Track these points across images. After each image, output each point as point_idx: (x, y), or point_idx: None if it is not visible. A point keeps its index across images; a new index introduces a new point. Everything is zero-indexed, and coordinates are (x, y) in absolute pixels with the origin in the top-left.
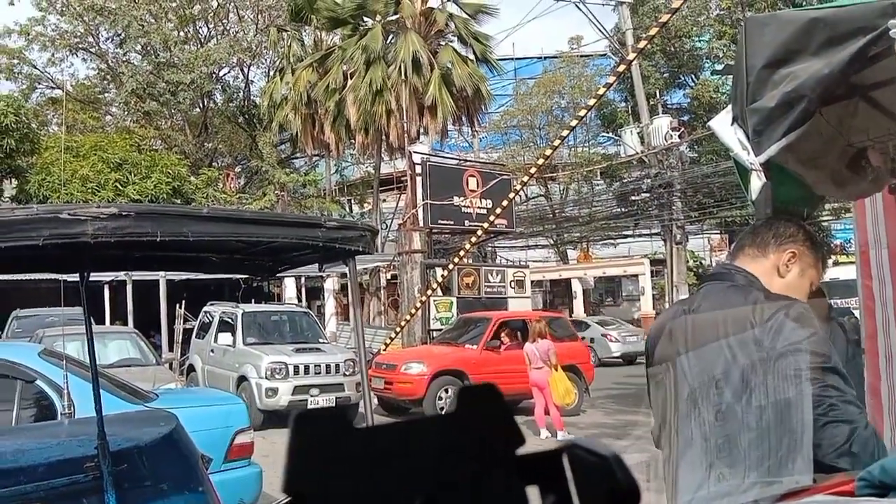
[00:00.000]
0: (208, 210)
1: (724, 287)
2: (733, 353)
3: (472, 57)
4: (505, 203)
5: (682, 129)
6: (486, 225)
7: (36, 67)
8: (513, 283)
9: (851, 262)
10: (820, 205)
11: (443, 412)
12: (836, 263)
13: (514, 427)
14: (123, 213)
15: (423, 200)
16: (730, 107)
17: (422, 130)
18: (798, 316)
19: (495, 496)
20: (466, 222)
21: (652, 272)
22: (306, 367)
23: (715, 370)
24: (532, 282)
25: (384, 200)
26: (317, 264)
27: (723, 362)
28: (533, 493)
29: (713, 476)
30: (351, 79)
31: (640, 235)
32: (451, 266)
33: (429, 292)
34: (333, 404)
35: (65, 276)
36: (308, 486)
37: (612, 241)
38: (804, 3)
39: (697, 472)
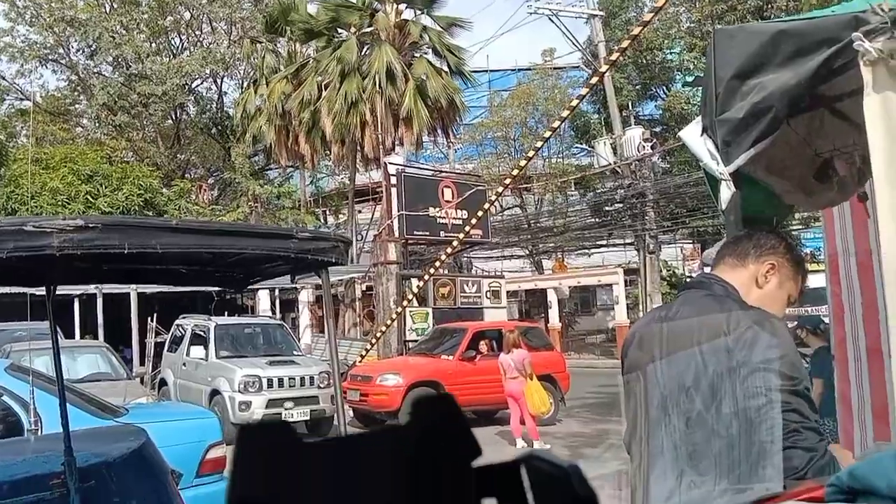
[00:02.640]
0: (177, 222)
1: (701, 296)
2: (705, 361)
3: (446, 69)
4: (480, 214)
5: (655, 140)
6: (461, 235)
7: (4, 79)
8: (488, 294)
9: (821, 271)
10: (789, 214)
11: (396, 424)
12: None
13: (471, 439)
14: (90, 225)
15: (399, 211)
16: (699, 117)
17: (397, 142)
18: (772, 332)
19: None
20: (442, 233)
21: (626, 281)
22: (280, 380)
23: (686, 378)
24: (507, 292)
25: (360, 211)
26: (289, 276)
27: (694, 370)
28: None
29: (684, 484)
30: (325, 90)
31: (613, 245)
32: (426, 277)
33: (404, 303)
34: (308, 417)
35: (31, 290)
36: (252, 500)
37: (586, 251)
38: (773, 16)
39: (668, 480)
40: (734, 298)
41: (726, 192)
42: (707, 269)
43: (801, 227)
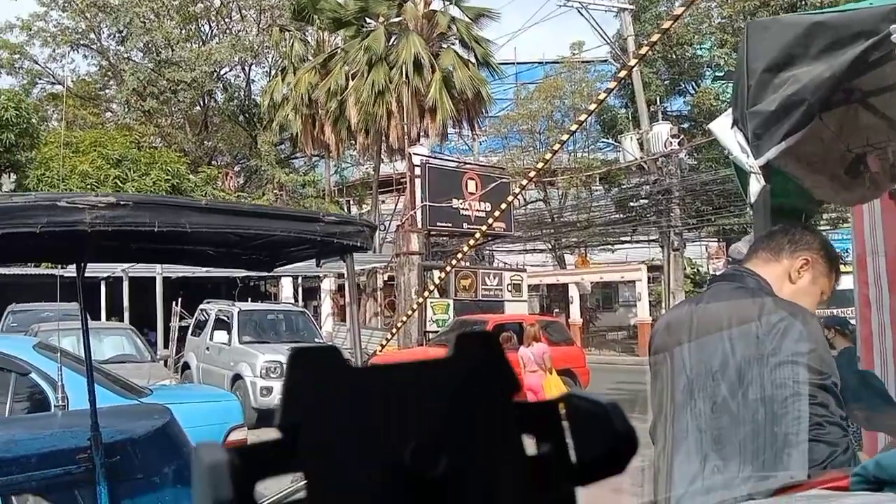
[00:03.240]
0: (206, 202)
1: (732, 287)
2: (733, 347)
3: (473, 60)
4: (503, 206)
5: (682, 136)
6: (484, 228)
7: (37, 63)
8: (510, 287)
9: (849, 272)
10: (819, 209)
11: (442, 357)
12: None
13: (512, 374)
14: (122, 203)
15: (422, 202)
16: (730, 110)
17: (422, 132)
18: (805, 325)
19: (491, 441)
20: (465, 225)
21: (649, 279)
22: None
23: (713, 362)
24: (529, 286)
25: (383, 202)
26: (314, 260)
27: (721, 355)
28: (529, 441)
29: (708, 468)
30: (353, 80)
31: (637, 242)
32: (448, 268)
33: (426, 294)
34: None
35: (61, 271)
36: (300, 421)
37: (609, 246)
38: (806, 10)
39: (693, 464)
40: (766, 292)
41: (755, 185)
42: (734, 264)
43: (829, 227)
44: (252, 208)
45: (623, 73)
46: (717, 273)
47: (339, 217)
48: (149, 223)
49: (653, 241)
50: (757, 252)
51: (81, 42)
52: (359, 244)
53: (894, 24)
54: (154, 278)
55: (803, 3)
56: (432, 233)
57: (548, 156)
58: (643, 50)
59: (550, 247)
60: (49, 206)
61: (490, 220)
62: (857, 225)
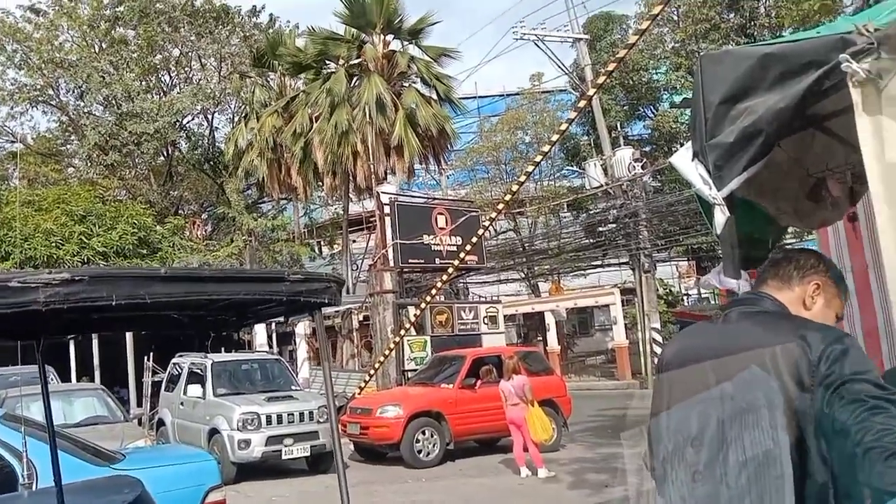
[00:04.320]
0: (166, 270)
1: (766, 315)
2: (784, 382)
3: (435, 97)
4: (474, 239)
5: (645, 159)
6: (456, 262)
7: None
8: (486, 319)
9: None
10: (784, 235)
11: None
12: None
13: None
14: (76, 278)
15: (393, 240)
16: (690, 143)
17: (389, 170)
18: (854, 345)
19: None
20: (437, 260)
21: (623, 301)
22: (279, 417)
23: (756, 398)
24: (505, 316)
25: (354, 241)
26: (283, 317)
27: (766, 392)
28: None
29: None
30: (316, 122)
31: (609, 265)
32: (423, 305)
33: (402, 332)
34: (308, 453)
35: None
36: None
37: (582, 272)
38: (756, 34)
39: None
40: (793, 316)
41: (720, 216)
42: (703, 293)
43: (794, 240)
44: (214, 273)
45: (583, 103)
46: (737, 298)
47: (305, 275)
48: (105, 297)
49: (623, 263)
50: (766, 281)
51: (40, 98)
52: (327, 300)
53: (843, 52)
54: (124, 335)
55: (752, 24)
56: (405, 270)
57: (515, 187)
58: (601, 79)
59: (524, 276)
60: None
61: (462, 254)
62: (824, 244)
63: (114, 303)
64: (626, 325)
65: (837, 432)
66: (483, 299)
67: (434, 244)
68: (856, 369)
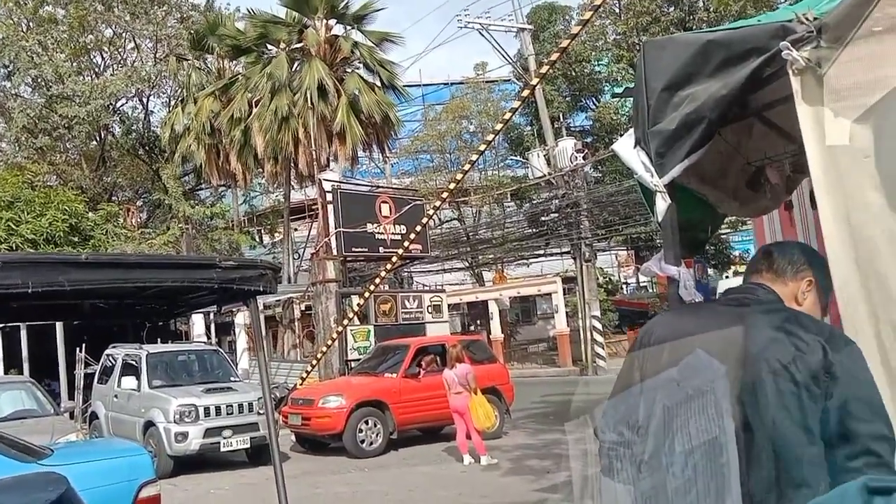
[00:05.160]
0: (86, 256)
1: (763, 304)
2: (805, 381)
3: (379, 84)
4: (418, 228)
5: (586, 150)
6: (400, 251)
7: None
8: (430, 308)
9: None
10: (723, 222)
11: None
12: (735, 273)
13: None
14: None
15: (336, 228)
16: (632, 130)
17: (331, 158)
18: (858, 351)
19: None
20: (381, 249)
21: (564, 290)
22: (217, 408)
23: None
24: (449, 305)
25: (296, 229)
26: (216, 306)
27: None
28: None
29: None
30: (256, 107)
31: (551, 255)
32: (366, 294)
33: (345, 322)
34: (248, 445)
35: None
36: None
37: (525, 261)
38: (696, 28)
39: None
40: (793, 310)
41: (662, 203)
42: (642, 281)
43: (729, 230)
44: (140, 259)
45: (526, 93)
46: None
47: (238, 261)
48: (21, 284)
49: (565, 253)
50: (760, 273)
51: None
52: (262, 288)
53: (783, 40)
54: (54, 324)
55: (692, 17)
56: (348, 259)
57: (459, 176)
58: (544, 69)
59: (468, 265)
60: None
61: (406, 243)
62: (759, 234)
63: (30, 290)
64: (567, 313)
65: (838, 457)
66: (427, 288)
67: (378, 233)
68: (865, 392)
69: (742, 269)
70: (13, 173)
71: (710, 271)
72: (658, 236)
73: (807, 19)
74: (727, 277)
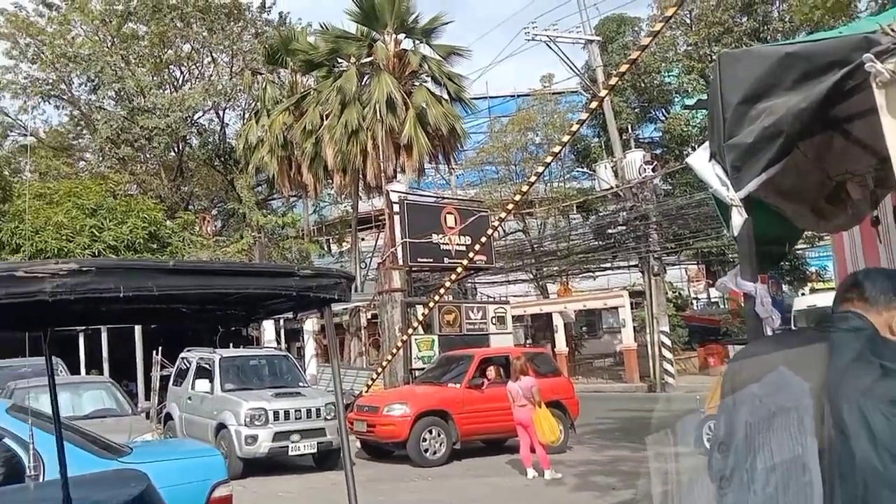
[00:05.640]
0: (174, 263)
1: (861, 332)
2: None
3: (446, 96)
4: (483, 239)
5: (655, 162)
6: (465, 261)
7: (7, 115)
8: (494, 319)
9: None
10: (801, 237)
11: None
12: (812, 290)
13: None
14: (84, 269)
15: (402, 239)
16: (707, 143)
17: (398, 169)
18: None
19: None
20: (445, 259)
21: (632, 304)
22: (286, 413)
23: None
24: (513, 317)
25: (363, 239)
26: (292, 313)
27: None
28: None
29: None
30: (327, 120)
31: (618, 268)
32: (431, 304)
33: (410, 331)
34: (315, 450)
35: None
36: None
37: (591, 274)
38: (769, 39)
39: None
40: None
41: (738, 218)
42: (713, 296)
43: (805, 245)
44: (223, 267)
45: (594, 105)
46: (832, 314)
47: (315, 270)
48: (113, 289)
49: (633, 266)
50: (851, 301)
51: (52, 93)
52: (336, 296)
53: (867, 52)
54: (133, 328)
55: (766, 28)
56: (414, 269)
57: (525, 188)
58: (612, 81)
59: (532, 277)
60: (6, 278)
61: (471, 254)
62: (839, 250)
63: (121, 294)
64: (634, 327)
65: None
66: (491, 299)
67: (443, 243)
68: None
69: (819, 286)
70: (97, 182)
71: (785, 287)
72: (732, 251)
73: (892, 31)
74: (803, 294)
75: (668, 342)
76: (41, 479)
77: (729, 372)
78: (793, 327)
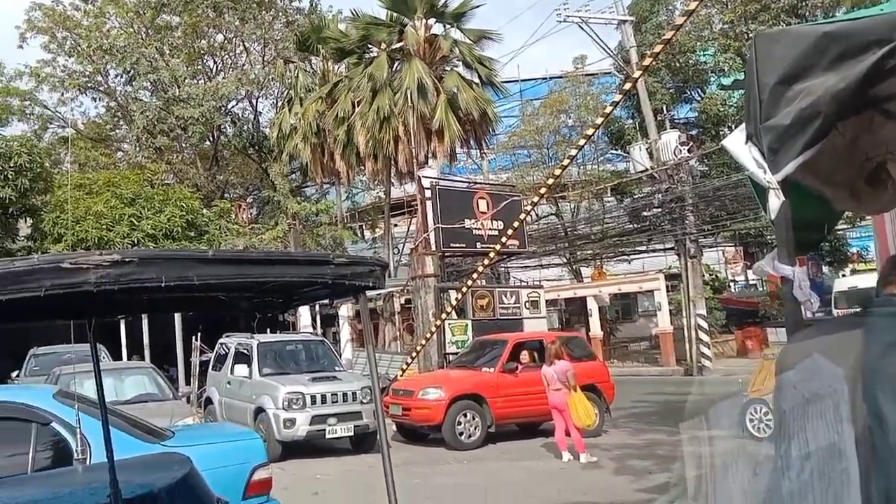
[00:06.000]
0: (213, 253)
1: None
2: None
3: (477, 81)
4: (516, 224)
5: (691, 143)
6: (497, 246)
7: (47, 108)
8: (527, 304)
9: (870, 270)
10: (840, 219)
11: None
12: (853, 272)
13: None
14: (126, 260)
15: (434, 224)
16: (743, 125)
17: (430, 155)
18: None
19: None
20: (478, 244)
21: (667, 287)
22: (323, 397)
23: None
24: (547, 301)
25: (395, 225)
26: (328, 299)
27: None
28: None
29: None
30: (358, 107)
31: (653, 251)
32: (464, 289)
33: (443, 316)
34: (352, 433)
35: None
36: None
37: (625, 257)
38: (808, 15)
39: None
40: None
41: (775, 200)
42: (751, 279)
43: (846, 226)
44: (260, 256)
45: (628, 86)
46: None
47: (349, 258)
48: (155, 278)
49: (669, 249)
50: (894, 283)
51: (89, 84)
52: (371, 284)
53: None
54: (173, 315)
55: (804, 4)
56: (446, 254)
57: (557, 171)
58: (647, 61)
59: (566, 260)
60: (52, 269)
61: (503, 238)
62: (881, 231)
63: (163, 284)
64: (670, 311)
65: None
66: (524, 284)
67: (475, 228)
68: None
69: (860, 267)
70: (134, 172)
71: (826, 269)
72: (770, 232)
73: None
74: (844, 276)
75: (704, 325)
76: (88, 463)
77: (778, 360)
78: (833, 309)
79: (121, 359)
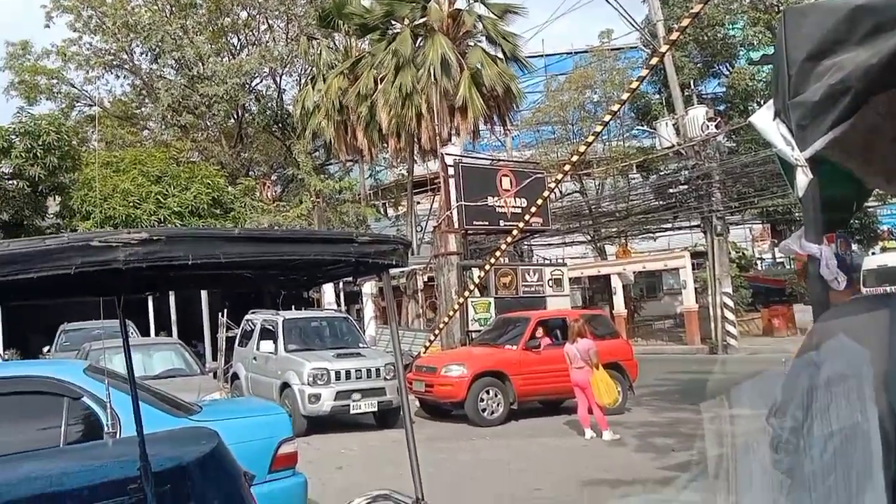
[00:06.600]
0: (239, 231)
1: None
2: None
3: (501, 56)
4: (539, 201)
5: (719, 118)
6: (521, 224)
7: (74, 86)
8: (551, 282)
9: None
10: (869, 197)
11: None
12: (883, 249)
13: None
14: (154, 238)
15: (457, 202)
16: (771, 101)
17: (453, 132)
18: None
19: None
20: (501, 222)
21: (693, 265)
22: (348, 373)
23: None
24: (570, 279)
25: (418, 203)
26: (351, 277)
27: None
28: None
29: None
30: (381, 83)
31: (679, 228)
32: (487, 266)
33: (466, 293)
34: (376, 409)
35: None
36: None
37: (650, 234)
38: None
39: None
40: None
41: (803, 178)
42: (778, 257)
43: (877, 203)
44: (285, 234)
45: (655, 60)
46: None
47: (373, 236)
48: (183, 256)
49: (695, 226)
50: None
51: (115, 63)
52: (394, 262)
53: None
54: (199, 292)
55: None
56: (469, 232)
57: (582, 148)
58: (674, 35)
59: (590, 238)
60: (82, 247)
61: (527, 216)
62: None
63: (190, 262)
64: (696, 289)
65: None
66: (548, 262)
67: (499, 206)
68: None
69: (890, 244)
70: (160, 150)
71: (855, 246)
72: (798, 210)
73: None
74: (874, 254)
75: (730, 303)
76: (118, 436)
77: (804, 341)
78: (862, 287)
79: (149, 335)
